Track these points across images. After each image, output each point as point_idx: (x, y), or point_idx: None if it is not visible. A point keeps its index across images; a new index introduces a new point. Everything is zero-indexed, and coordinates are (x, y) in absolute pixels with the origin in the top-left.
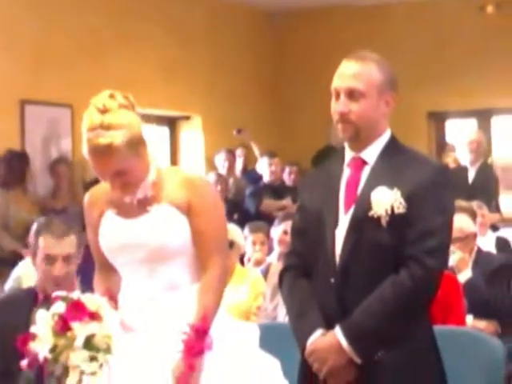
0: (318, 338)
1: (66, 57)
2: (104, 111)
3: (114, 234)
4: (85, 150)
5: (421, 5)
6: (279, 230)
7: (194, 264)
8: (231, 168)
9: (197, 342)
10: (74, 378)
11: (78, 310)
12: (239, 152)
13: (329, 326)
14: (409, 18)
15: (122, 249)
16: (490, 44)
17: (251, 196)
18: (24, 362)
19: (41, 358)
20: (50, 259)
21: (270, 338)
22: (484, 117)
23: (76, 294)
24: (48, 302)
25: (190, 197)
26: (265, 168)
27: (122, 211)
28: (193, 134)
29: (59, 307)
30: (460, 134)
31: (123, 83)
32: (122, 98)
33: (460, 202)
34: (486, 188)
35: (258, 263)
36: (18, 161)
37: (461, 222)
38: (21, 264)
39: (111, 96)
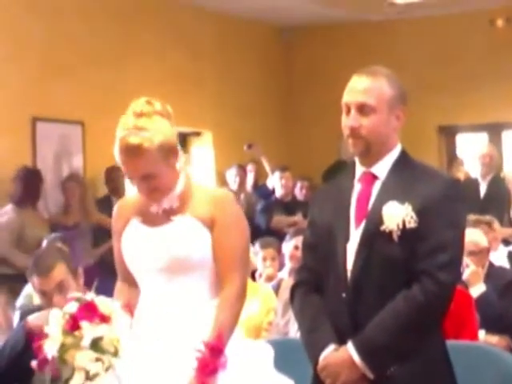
0: (330, 354)
1: (76, 73)
2: (140, 115)
3: (136, 240)
4: (116, 150)
5: (430, 19)
6: (290, 246)
7: (214, 280)
8: (242, 183)
9: (211, 361)
10: (79, 380)
11: (89, 310)
12: (250, 167)
13: (341, 341)
14: (418, 32)
15: (143, 256)
16: (500, 58)
17: (262, 212)
18: (34, 363)
19: (49, 357)
20: (45, 295)
21: (281, 354)
22: (495, 131)
23: (90, 296)
24: None
25: (215, 212)
26: (276, 182)
27: (146, 220)
28: (203, 150)
29: (72, 307)
30: (471, 148)
31: (133, 96)
32: (159, 106)
33: (473, 216)
34: (498, 202)
35: (270, 279)
36: (32, 178)
37: (475, 236)
38: None
39: (149, 102)
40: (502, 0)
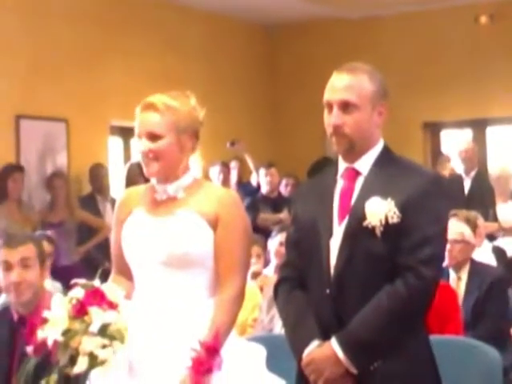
0: (314, 349)
1: (60, 71)
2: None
3: (138, 229)
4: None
5: (415, 16)
6: (276, 242)
7: (213, 279)
8: (226, 181)
9: (206, 360)
10: (82, 365)
11: (97, 296)
12: (233, 164)
13: (325, 337)
14: (403, 29)
15: (143, 247)
16: (484, 54)
17: (247, 209)
18: (30, 348)
19: (50, 342)
20: (7, 266)
21: (266, 350)
22: (479, 127)
23: (96, 283)
24: (24, 323)
25: (219, 211)
26: (262, 178)
27: (151, 209)
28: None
29: (78, 292)
30: (455, 144)
31: (118, 96)
32: (194, 100)
33: (458, 212)
34: (482, 198)
35: (255, 276)
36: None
37: (459, 228)
38: None
39: (182, 93)
40: None
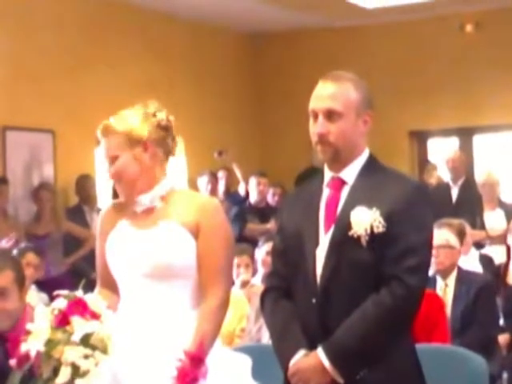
0: (300, 359)
1: (46, 81)
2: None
3: (121, 242)
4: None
5: (400, 25)
6: (262, 251)
7: (196, 290)
8: (214, 190)
9: (191, 370)
10: (65, 376)
11: (79, 307)
12: (221, 174)
13: (311, 346)
14: (388, 38)
15: (127, 259)
16: (470, 62)
17: (235, 219)
18: (13, 362)
19: (33, 353)
20: None
21: (254, 360)
22: (466, 135)
23: (79, 293)
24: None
25: (200, 219)
26: (252, 187)
27: (134, 222)
28: (175, 157)
29: (60, 303)
30: (442, 152)
31: (103, 105)
32: (153, 108)
33: (444, 220)
34: (470, 206)
35: (244, 285)
36: None
37: (445, 235)
38: None
39: (146, 104)
40: (472, 5)
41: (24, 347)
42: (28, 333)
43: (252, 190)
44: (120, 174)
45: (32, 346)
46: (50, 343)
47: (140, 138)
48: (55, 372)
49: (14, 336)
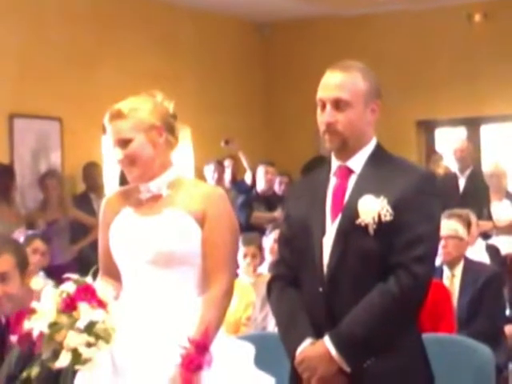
0: (307, 347)
1: (53, 69)
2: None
3: (125, 229)
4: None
5: (408, 14)
6: (270, 240)
7: (201, 278)
8: (220, 179)
9: (196, 357)
10: (64, 360)
11: (88, 293)
12: (227, 163)
13: (318, 335)
14: (396, 27)
15: (130, 246)
16: (478, 52)
17: (242, 207)
18: (14, 338)
19: (36, 333)
20: None
21: (259, 349)
22: (473, 125)
23: (88, 279)
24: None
25: (205, 208)
26: (260, 176)
27: (138, 209)
28: (182, 145)
29: (69, 287)
30: (449, 142)
31: (111, 94)
32: (159, 97)
33: (451, 211)
34: (477, 196)
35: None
36: (3, 174)
37: (453, 225)
38: None
39: (151, 93)
40: None
41: (27, 325)
42: (33, 311)
43: (260, 178)
44: (134, 157)
45: (35, 325)
46: (54, 326)
47: (153, 122)
48: (55, 355)
49: (18, 313)
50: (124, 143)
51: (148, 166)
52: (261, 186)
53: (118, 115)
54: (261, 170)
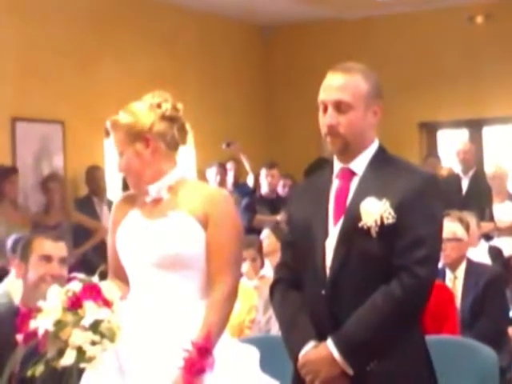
0: (310, 350)
1: (55, 72)
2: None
3: (132, 231)
4: None
5: (409, 17)
6: (265, 240)
7: (205, 281)
8: (223, 182)
9: (198, 361)
10: (69, 358)
11: (93, 292)
12: (229, 165)
13: (321, 338)
14: (398, 29)
15: (137, 249)
16: (480, 54)
17: (244, 210)
18: (19, 337)
19: (41, 331)
20: (47, 259)
21: (263, 352)
22: (475, 127)
23: (95, 279)
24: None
25: (209, 210)
26: (263, 179)
27: (144, 212)
28: (184, 148)
29: (75, 286)
30: (451, 144)
31: (113, 97)
32: (158, 98)
33: (452, 213)
34: (479, 197)
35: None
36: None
37: (453, 227)
38: (6, 280)
39: (153, 94)
40: None
41: (33, 324)
42: (39, 310)
43: (262, 181)
44: (125, 169)
45: (41, 323)
46: (60, 324)
47: (141, 131)
48: (60, 353)
49: (23, 312)
50: (120, 154)
51: (138, 177)
52: (264, 189)
53: (112, 126)
54: (263, 173)
